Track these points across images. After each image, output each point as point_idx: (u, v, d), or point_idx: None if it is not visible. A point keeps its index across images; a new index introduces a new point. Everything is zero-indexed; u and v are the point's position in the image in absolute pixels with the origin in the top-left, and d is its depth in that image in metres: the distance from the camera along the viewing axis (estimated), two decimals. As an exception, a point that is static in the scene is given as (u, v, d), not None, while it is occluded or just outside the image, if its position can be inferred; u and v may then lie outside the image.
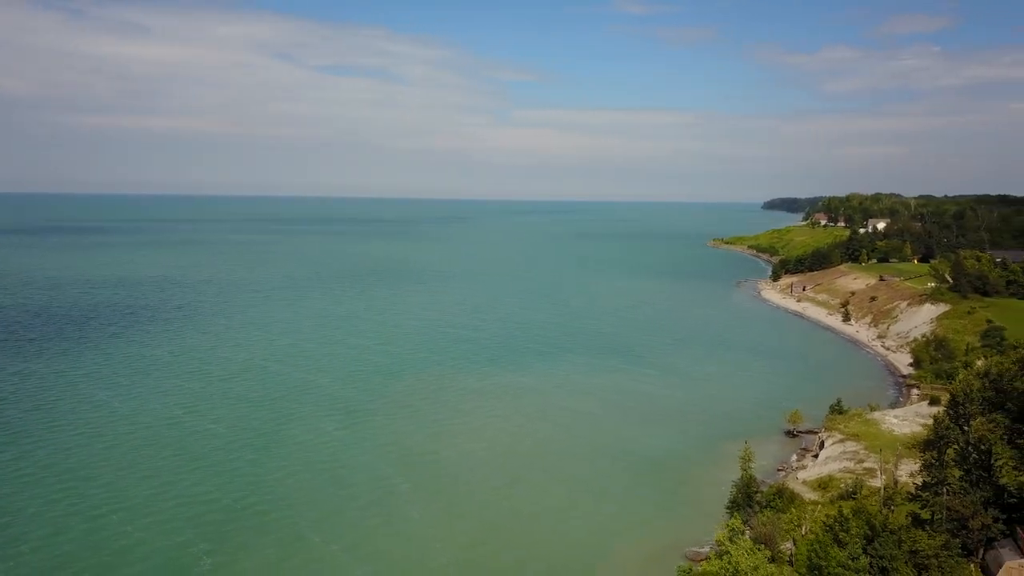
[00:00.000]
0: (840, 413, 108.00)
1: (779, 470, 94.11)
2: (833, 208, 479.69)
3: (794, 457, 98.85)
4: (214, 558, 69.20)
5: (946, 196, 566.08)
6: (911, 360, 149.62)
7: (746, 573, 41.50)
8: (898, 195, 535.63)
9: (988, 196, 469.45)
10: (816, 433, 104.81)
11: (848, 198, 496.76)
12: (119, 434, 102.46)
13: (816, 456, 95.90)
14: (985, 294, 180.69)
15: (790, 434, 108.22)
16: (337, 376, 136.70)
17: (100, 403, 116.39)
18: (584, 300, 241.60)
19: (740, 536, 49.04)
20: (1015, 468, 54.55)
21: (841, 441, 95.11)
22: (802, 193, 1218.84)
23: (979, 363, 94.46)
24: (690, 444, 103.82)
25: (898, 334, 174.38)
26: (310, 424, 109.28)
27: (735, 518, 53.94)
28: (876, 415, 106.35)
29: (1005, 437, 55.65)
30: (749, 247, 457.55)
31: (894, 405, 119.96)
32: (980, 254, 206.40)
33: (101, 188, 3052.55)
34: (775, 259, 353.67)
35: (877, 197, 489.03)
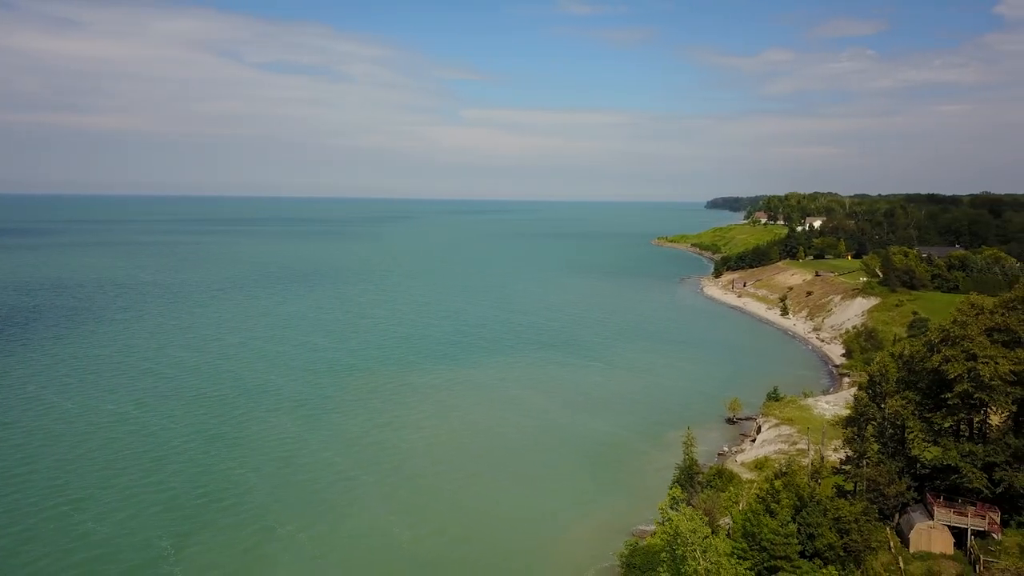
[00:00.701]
0: (776, 400, 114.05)
1: (719, 454, 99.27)
2: (773, 207, 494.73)
3: (733, 442, 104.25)
4: (176, 544, 70.98)
5: (879, 195, 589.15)
6: (844, 351, 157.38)
7: (686, 535, 45.49)
8: (835, 194, 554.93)
9: (918, 195, 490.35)
10: (754, 419, 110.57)
11: (787, 197, 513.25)
12: (71, 432, 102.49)
13: (753, 440, 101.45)
14: (912, 288, 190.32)
15: (730, 421, 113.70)
16: (290, 374, 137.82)
17: (50, 403, 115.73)
18: (531, 297, 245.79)
19: (681, 504, 53.18)
20: (925, 441, 60.03)
21: (776, 426, 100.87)
22: (744, 192, 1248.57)
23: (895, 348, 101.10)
24: (635, 432, 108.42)
25: (832, 326, 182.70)
26: (266, 420, 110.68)
27: (675, 488, 58.09)
28: (809, 401, 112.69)
29: (916, 413, 61.09)
30: (692, 245, 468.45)
31: (827, 392, 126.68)
32: (908, 250, 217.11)
33: (27, 188, 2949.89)
34: (717, 256, 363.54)
35: (814, 196, 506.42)
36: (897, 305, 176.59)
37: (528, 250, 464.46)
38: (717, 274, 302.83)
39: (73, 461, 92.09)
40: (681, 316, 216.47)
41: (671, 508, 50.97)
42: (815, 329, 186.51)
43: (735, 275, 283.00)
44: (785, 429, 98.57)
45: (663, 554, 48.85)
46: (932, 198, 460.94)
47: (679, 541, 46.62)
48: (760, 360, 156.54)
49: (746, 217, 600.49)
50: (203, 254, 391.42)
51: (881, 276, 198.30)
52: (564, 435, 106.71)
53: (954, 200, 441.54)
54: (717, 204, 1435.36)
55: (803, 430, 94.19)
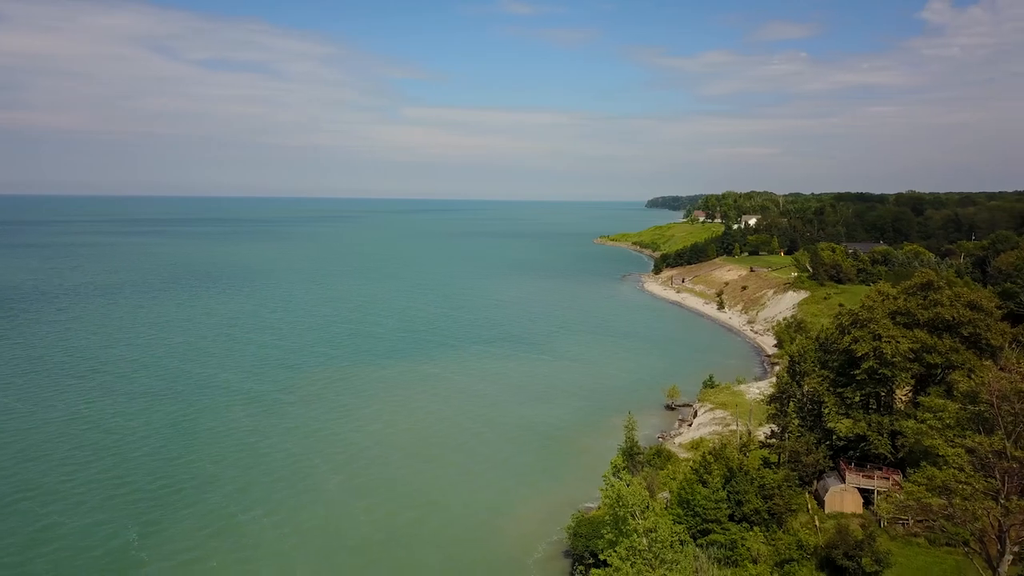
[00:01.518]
0: (712, 387, 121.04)
1: (659, 438, 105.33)
2: (710, 206, 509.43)
3: (671, 426, 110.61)
4: (143, 533, 73.42)
5: (812, 193, 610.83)
6: (775, 341, 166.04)
7: (627, 498, 50.59)
8: (770, 193, 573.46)
9: (848, 193, 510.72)
10: (691, 405, 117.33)
11: (724, 196, 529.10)
12: (24, 430, 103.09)
13: (690, 424, 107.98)
14: (839, 281, 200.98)
15: (669, 407, 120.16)
16: (239, 370, 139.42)
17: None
18: (478, 295, 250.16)
19: (622, 472, 58.38)
20: (839, 414, 66.65)
21: (711, 410, 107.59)
22: (683, 192, 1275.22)
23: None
24: (580, 419, 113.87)
25: (765, 319, 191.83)
26: (218, 414, 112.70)
27: (618, 457, 63.33)
28: (742, 387, 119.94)
29: (831, 389, 67.71)
30: (633, 243, 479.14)
31: (759, 379, 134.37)
32: (835, 246, 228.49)
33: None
34: (657, 254, 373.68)
35: (750, 195, 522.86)
36: (825, 298, 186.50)
37: (472, 249, 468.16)
38: (657, 271, 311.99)
39: (31, 458, 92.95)
40: (623, 311, 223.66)
41: (613, 476, 56.13)
42: (749, 322, 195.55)
43: (674, 272, 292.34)
44: (719, 413, 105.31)
45: (606, 516, 53.96)
46: (861, 196, 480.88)
47: (620, 504, 51.79)
48: (697, 351, 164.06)
49: (685, 216, 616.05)
50: (138, 255, 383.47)
51: (811, 271, 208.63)
52: (513, 423, 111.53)
53: (881, 198, 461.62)
54: (657, 203, 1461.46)
55: (735, 413, 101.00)
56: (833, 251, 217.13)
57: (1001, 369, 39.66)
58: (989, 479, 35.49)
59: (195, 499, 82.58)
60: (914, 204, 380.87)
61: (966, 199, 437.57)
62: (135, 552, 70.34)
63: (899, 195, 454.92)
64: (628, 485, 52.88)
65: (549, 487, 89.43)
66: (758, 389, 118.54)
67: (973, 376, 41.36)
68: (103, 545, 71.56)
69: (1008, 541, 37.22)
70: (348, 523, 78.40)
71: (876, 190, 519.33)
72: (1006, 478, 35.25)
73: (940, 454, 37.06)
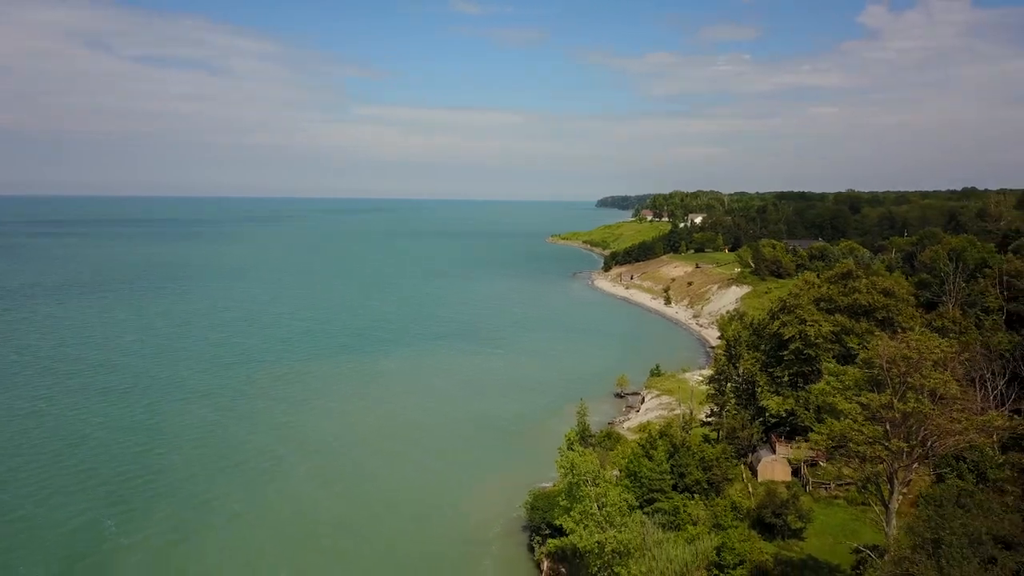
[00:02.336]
0: (658, 376, 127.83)
1: (609, 423, 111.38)
2: (658, 205, 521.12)
3: (621, 412, 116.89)
4: (118, 521, 76.45)
5: (757, 192, 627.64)
6: (719, 334, 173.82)
7: (580, 467, 55.99)
8: (716, 192, 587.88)
9: (790, 192, 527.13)
10: (639, 393, 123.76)
11: (671, 195, 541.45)
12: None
13: (638, 410, 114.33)
14: (779, 276, 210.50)
15: (618, 395, 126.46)
16: (198, 367, 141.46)
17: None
18: (432, 293, 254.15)
19: (575, 445, 63.82)
20: (770, 392, 73.31)
21: (658, 396, 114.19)
22: (632, 191, 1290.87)
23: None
24: (534, 408, 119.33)
25: (710, 313, 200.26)
26: (183, 408, 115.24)
27: (572, 432, 68.90)
28: (687, 375, 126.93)
29: (762, 369, 74.33)
30: (584, 242, 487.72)
31: (702, 368, 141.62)
32: (776, 243, 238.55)
33: None
34: (607, 252, 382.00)
35: (696, 194, 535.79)
36: (766, 292, 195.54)
37: (426, 249, 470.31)
38: (607, 268, 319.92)
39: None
40: (574, 307, 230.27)
41: (568, 448, 61.58)
42: (695, 316, 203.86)
43: (623, 269, 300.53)
44: (665, 399, 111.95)
45: (561, 485, 59.38)
46: (802, 195, 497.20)
47: (574, 472, 57.27)
48: (645, 344, 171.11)
49: (634, 215, 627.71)
50: (71, 255, 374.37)
51: (753, 267, 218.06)
52: (470, 414, 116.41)
53: (821, 197, 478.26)
54: (607, 203, 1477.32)
55: (680, 398, 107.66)
56: (774, 247, 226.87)
57: (891, 339, 46.12)
58: (877, 427, 41.84)
59: (165, 487, 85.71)
60: (852, 203, 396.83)
61: (901, 198, 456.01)
62: (114, 537, 73.45)
63: (838, 194, 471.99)
64: (581, 456, 58.40)
65: (507, 471, 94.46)
66: (701, 377, 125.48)
67: (869, 346, 47.61)
68: (81, 532, 74.48)
69: (896, 481, 43.82)
70: (315, 507, 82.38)
71: (818, 189, 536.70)
72: (891, 427, 41.60)
73: (840, 409, 43.18)
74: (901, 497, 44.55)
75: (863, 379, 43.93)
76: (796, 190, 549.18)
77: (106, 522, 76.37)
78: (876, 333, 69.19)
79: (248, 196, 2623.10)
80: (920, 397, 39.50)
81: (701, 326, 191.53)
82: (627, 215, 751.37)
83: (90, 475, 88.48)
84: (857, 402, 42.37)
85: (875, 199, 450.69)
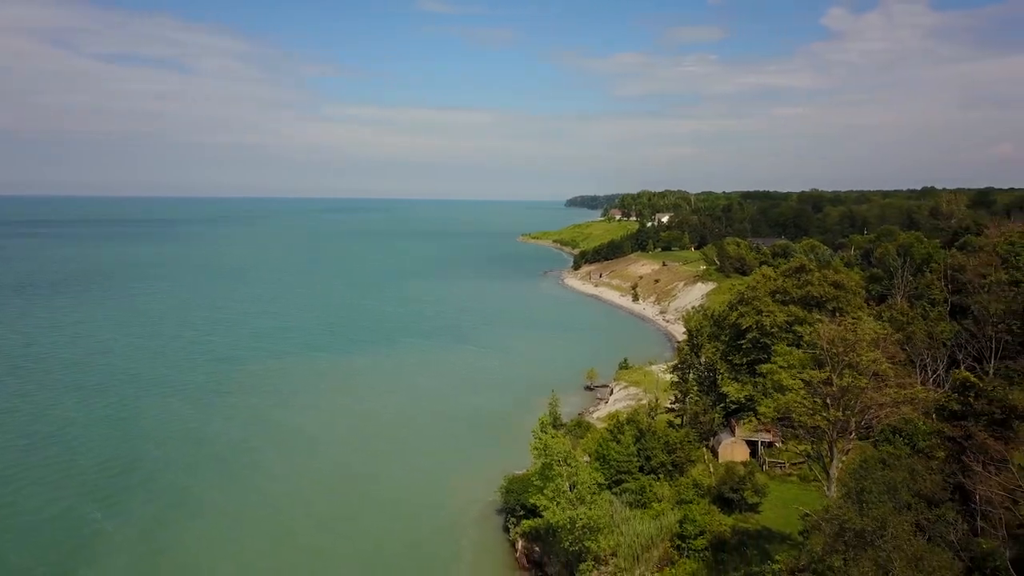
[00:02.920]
0: (626, 369, 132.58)
1: (579, 414, 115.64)
2: (627, 204, 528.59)
3: (591, 404, 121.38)
4: (103, 510, 78.90)
5: (723, 192, 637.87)
6: (684, 328, 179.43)
7: (552, 447, 60.00)
8: (683, 192, 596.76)
9: (756, 191, 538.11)
10: (608, 386, 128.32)
11: (639, 195, 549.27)
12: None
13: (607, 401, 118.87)
14: (744, 273, 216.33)
15: (588, 388, 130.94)
16: (174, 364, 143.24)
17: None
18: (409, 293, 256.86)
19: (549, 427, 67.78)
20: (730, 378, 78.06)
21: (626, 388, 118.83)
22: (601, 191, 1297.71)
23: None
24: (507, 401, 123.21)
25: (676, 309, 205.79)
26: (156, 404, 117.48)
27: (545, 416, 72.91)
28: (654, 368, 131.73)
29: (723, 357, 79.06)
30: (554, 241, 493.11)
31: (668, 361, 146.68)
32: (740, 241, 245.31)
33: None
34: (576, 251, 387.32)
35: (664, 194, 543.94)
36: (730, 288, 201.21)
37: (400, 249, 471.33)
38: (576, 267, 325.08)
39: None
40: (545, 305, 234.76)
41: (541, 431, 65.58)
42: (661, 312, 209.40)
43: (592, 267, 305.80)
44: (633, 390, 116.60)
45: (535, 466, 63.37)
46: (767, 195, 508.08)
47: (547, 453, 61.29)
48: (614, 339, 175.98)
49: (603, 215, 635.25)
50: (36, 256, 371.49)
51: (718, 264, 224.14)
52: (445, 408, 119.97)
53: (785, 196, 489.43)
54: (576, 203, 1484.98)
55: (647, 389, 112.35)
56: (738, 245, 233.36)
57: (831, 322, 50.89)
58: (818, 400, 46.46)
59: (147, 478, 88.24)
60: (814, 202, 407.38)
61: (862, 197, 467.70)
62: (99, 524, 75.94)
63: (801, 194, 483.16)
64: (554, 438, 62.46)
65: (481, 460, 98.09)
66: (667, 368, 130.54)
67: (812, 329, 52.28)
68: (66, 520, 76.82)
69: (836, 449, 48.55)
70: (296, 495, 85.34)
71: (784, 188, 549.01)
72: (830, 400, 46.21)
73: (786, 385, 47.73)
74: (841, 464, 49.24)
75: (807, 359, 48.61)
76: (762, 189, 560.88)
77: (90, 510, 78.70)
78: (826, 323, 74.33)
79: (219, 196, 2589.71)
80: (856, 374, 44.23)
81: (668, 322, 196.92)
82: (596, 215, 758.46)
83: (71, 466, 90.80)
84: (800, 379, 47.05)
85: (837, 198, 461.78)
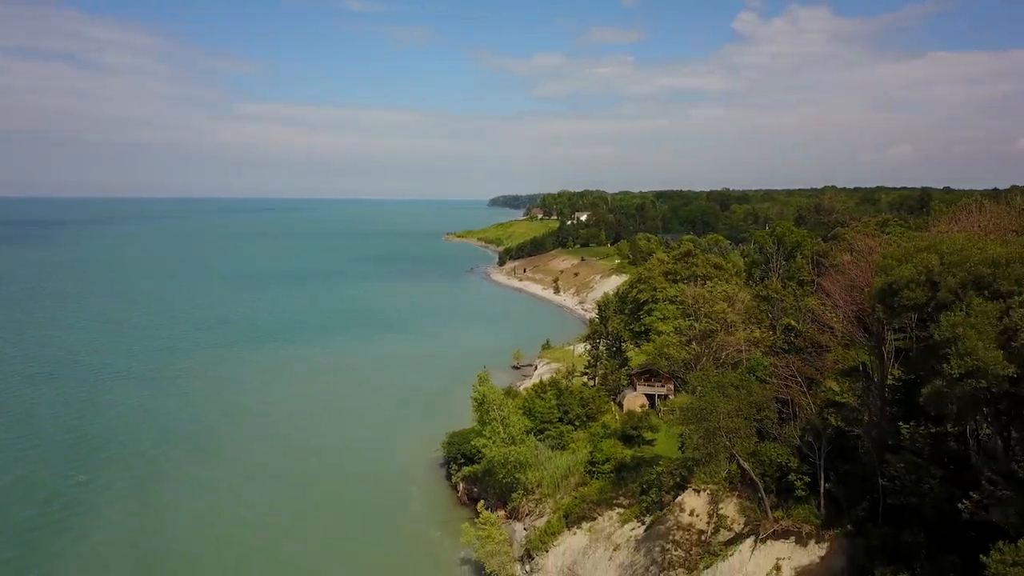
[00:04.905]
0: (548, 348, 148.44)
1: (508, 387, 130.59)
2: (548, 204, 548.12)
3: (517, 379, 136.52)
4: (83, 480, 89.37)
5: (640, 192, 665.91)
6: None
7: (489, 396, 74.49)
8: (601, 192, 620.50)
9: (669, 191, 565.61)
10: (532, 364, 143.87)
11: (560, 195, 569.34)
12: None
13: (532, 377, 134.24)
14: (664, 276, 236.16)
15: (515, 367, 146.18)
16: (122, 356, 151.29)
17: None
18: (340, 291, 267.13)
19: (486, 381, 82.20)
20: (633, 345, 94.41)
21: (548, 363, 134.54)
22: (523, 191, 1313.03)
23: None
24: (444, 379, 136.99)
25: (593, 299, 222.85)
26: (112, 389, 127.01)
27: (483, 371, 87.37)
28: (571, 347, 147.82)
29: (626, 327, 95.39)
30: (479, 240, 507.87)
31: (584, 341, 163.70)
32: (651, 237, 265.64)
33: None
34: (501, 249, 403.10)
35: (583, 194, 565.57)
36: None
37: (325, 249, 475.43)
38: (501, 263, 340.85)
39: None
40: (474, 298, 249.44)
41: (479, 385, 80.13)
42: (580, 302, 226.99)
43: (516, 263, 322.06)
44: (554, 365, 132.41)
45: (473, 414, 77.87)
46: (679, 194, 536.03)
47: (485, 402, 75.87)
48: (538, 326, 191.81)
49: (525, 214, 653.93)
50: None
51: (631, 258, 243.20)
52: (387, 386, 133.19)
53: (696, 195, 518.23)
54: (499, 202, 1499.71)
55: (566, 363, 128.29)
56: (649, 241, 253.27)
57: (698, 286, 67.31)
58: (683, 339, 62.46)
59: (117, 453, 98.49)
60: (722, 201, 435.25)
61: (767, 196, 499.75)
62: (84, 488, 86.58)
63: (710, 193, 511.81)
64: (490, 389, 77.08)
65: (423, 426, 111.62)
66: (583, 348, 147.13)
67: (682, 291, 68.54)
68: (49, 488, 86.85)
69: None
70: (261, 463, 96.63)
71: (697, 187, 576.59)
72: (693, 341, 62.27)
73: (661, 331, 63.53)
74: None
75: (678, 312, 64.55)
76: (676, 189, 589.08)
77: (67, 482, 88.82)
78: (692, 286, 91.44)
79: (130, 196, 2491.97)
80: (710, 320, 60.45)
81: (586, 310, 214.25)
82: (518, 214, 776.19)
83: (44, 446, 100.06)
84: (673, 326, 62.97)
85: (744, 197, 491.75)
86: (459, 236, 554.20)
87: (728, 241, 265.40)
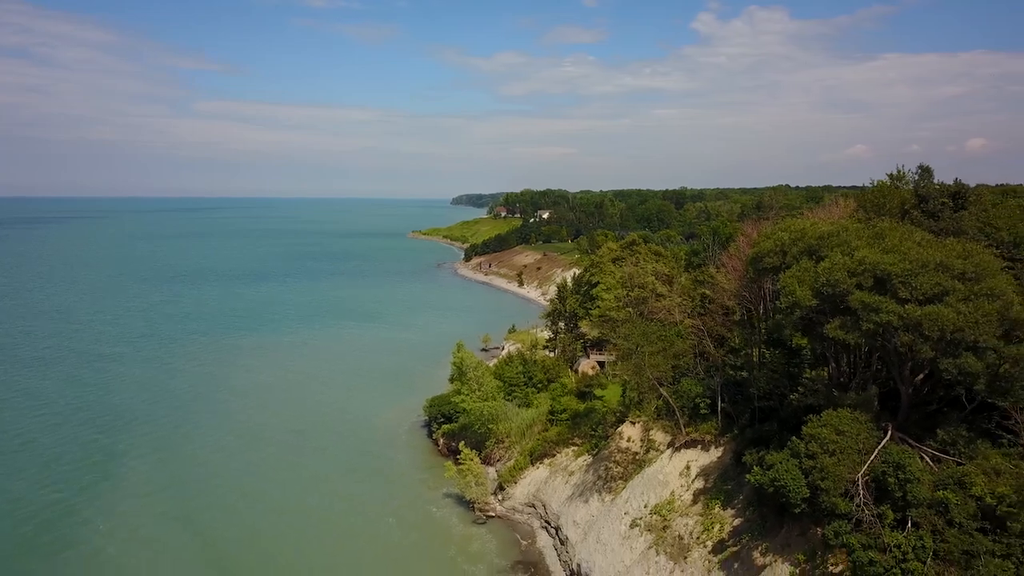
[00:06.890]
0: (514, 332, 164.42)
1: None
2: (511, 202, 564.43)
3: (488, 360, 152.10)
4: (107, 438, 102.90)
5: (600, 191, 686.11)
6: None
7: (466, 360, 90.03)
8: (563, 190, 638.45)
9: (628, 190, 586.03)
10: (500, 347, 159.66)
11: (523, 193, 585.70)
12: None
13: (500, 357, 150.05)
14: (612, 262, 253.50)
15: (484, 350, 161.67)
16: (95, 344, 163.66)
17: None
18: (313, 287, 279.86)
19: (463, 348, 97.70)
20: (586, 320, 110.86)
21: (514, 344, 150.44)
22: (486, 190, 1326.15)
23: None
24: (420, 360, 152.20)
25: (555, 290, 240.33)
26: (100, 370, 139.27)
27: (460, 341, 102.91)
28: (535, 331, 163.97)
29: (581, 305, 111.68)
30: (444, 237, 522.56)
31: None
32: (609, 233, 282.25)
33: None
34: (466, 245, 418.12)
35: (545, 192, 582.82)
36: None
37: (290, 247, 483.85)
38: (468, 259, 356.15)
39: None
40: (443, 291, 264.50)
41: (457, 352, 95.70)
42: (543, 293, 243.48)
43: (482, 259, 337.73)
44: (518, 345, 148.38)
45: (452, 376, 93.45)
46: (637, 193, 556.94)
47: (463, 363, 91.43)
48: (503, 314, 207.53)
49: (489, 212, 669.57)
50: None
51: (589, 252, 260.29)
52: (368, 366, 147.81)
53: (654, 194, 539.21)
54: (462, 201, 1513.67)
55: (530, 340, 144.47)
56: (606, 237, 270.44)
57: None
58: (620, 304, 78.69)
59: (133, 419, 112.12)
60: (677, 199, 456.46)
61: (721, 194, 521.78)
62: (110, 449, 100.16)
63: (666, 191, 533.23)
64: (467, 355, 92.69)
65: (404, 398, 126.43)
66: (547, 332, 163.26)
67: (621, 269, 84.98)
68: (75, 453, 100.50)
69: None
70: (261, 429, 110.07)
71: (656, 186, 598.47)
72: (629, 304, 78.62)
73: (604, 299, 79.61)
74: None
75: (617, 284, 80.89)
76: (635, 188, 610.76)
77: (90, 442, 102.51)
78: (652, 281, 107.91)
79: (86, 196, 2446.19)
80: (642, 291, 76.87)
81: (548, 300, 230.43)
82: (482, 212, 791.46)
83: (61, 413, 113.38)
84: (615, 295, 79.27)
85: (698, 196, 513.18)
86: (424, 234, 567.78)
87: (680, 236, 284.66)
